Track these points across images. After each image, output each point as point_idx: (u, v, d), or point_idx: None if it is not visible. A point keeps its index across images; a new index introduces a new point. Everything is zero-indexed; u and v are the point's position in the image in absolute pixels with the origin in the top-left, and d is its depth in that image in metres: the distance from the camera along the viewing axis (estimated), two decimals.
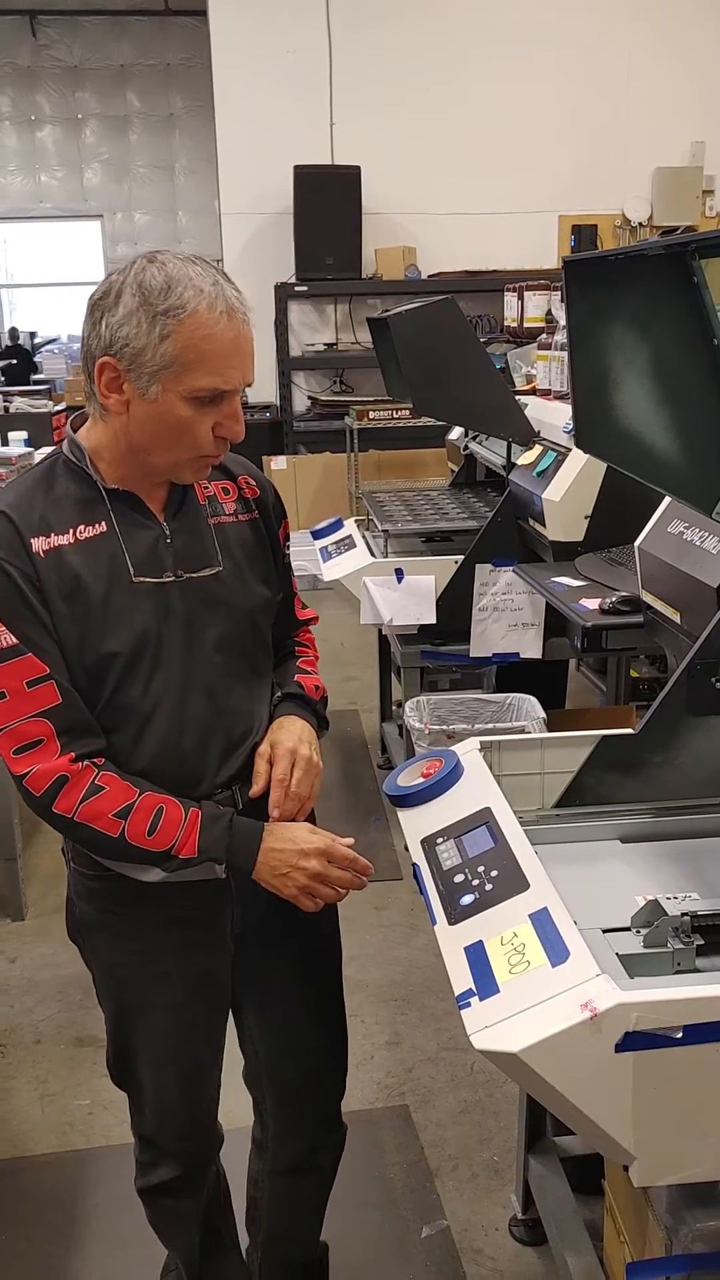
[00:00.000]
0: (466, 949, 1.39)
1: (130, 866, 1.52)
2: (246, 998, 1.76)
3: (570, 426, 2.17)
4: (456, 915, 1.46)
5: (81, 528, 1.48)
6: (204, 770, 1.57)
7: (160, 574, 1.52)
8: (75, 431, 1.53)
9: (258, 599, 1.62)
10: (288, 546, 1.72)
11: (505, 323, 4.57)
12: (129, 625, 1.49)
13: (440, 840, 1.63)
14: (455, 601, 3.59)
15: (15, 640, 1.44)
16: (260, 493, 1.67)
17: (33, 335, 12.03)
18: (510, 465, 3.60)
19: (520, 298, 4.27)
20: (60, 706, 1.46)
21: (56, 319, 12.93)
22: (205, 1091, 1.76)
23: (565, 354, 1.94)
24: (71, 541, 1.47)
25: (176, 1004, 1.66)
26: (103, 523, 1.49)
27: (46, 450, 4.99)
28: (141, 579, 1.50)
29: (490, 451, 4.02)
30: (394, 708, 4.45)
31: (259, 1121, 1.90)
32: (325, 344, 8.10)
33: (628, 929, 1.53)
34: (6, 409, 5.59)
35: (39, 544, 1.45)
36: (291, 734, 1.64)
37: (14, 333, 11.47)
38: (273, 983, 1.75)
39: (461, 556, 3.61)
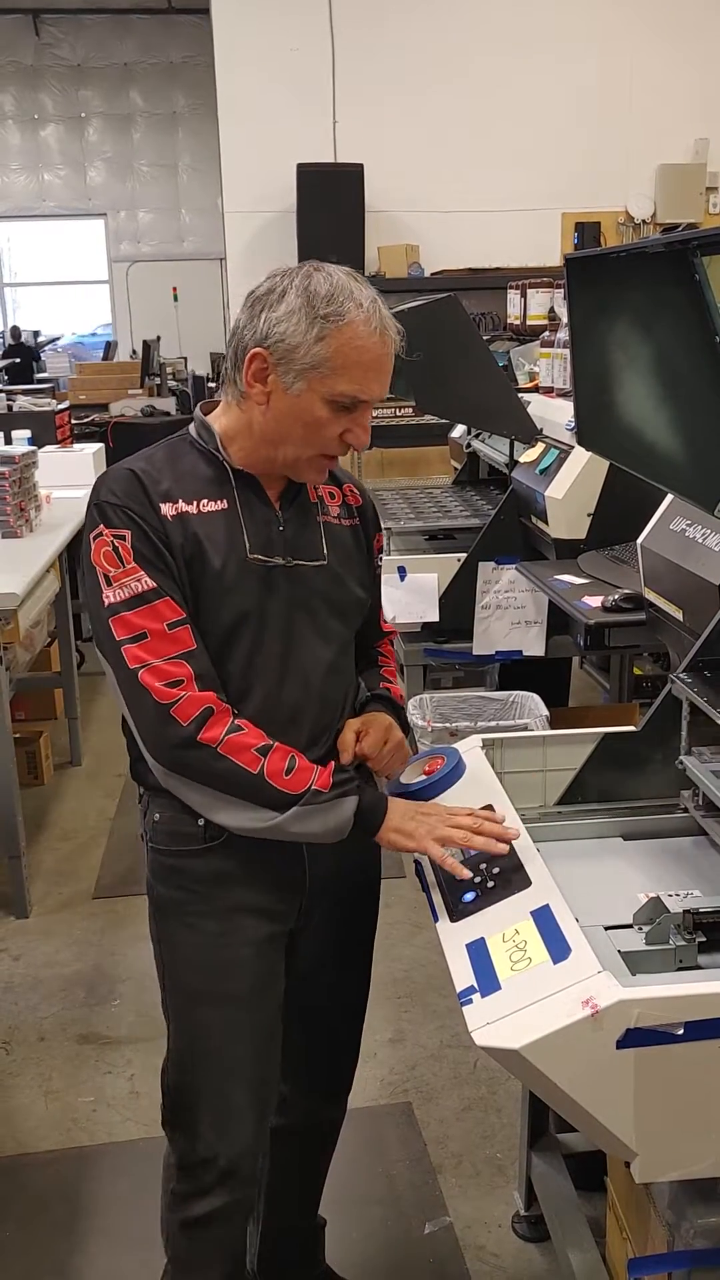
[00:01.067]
0: (468, 946, 1.40)
1: (240, 810, 1.51)
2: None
3: (573, 424, 2.18)
4: (458, 912, 1.47)
5: (205, 501, 1.55)
6: (294, 740, 1.58)
7: (271, 556, 1.58)
8: (205, 416, 1.61)
9: (353, 599, 1.69)
10: (381, 558, 1.81)
11: (508, 320, 4.56)
12: (238, 599, 1.55)
13: None
14: (458, 599, 3.59)
15: (154, 584, 1.49)
16: (362, 502, 1.75)
17: (36, 334, 12.03)
18: (513, 463, 3.60)
19: (523, 295, 4.27)
20: (196, 652, 1.51)
21: (60, 318, 12.93)
22: (270, 1101, 1.73)
23: (568, 351, 1.94)
24: (196, 512, 1.54)
25: (247, 996, 1.65)
26: (225, 500, 1.56)
27: (50, 448, 5.01)
28: (255, 557, 1.56)
29: (493, 449, 4.01)
30: None
31: None
32: None
33: (629, 926, 1.53)
34: (10, 407, 5.59)
35: (166, 509, 1.52)
36: (385, 719, 1.72)
37: (17, 331, 11.48)
38: (310, 952, 1.74)
39: (464, 554, 3.61)
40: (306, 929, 1.70)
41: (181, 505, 1.53)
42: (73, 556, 4.34)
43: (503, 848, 1.53)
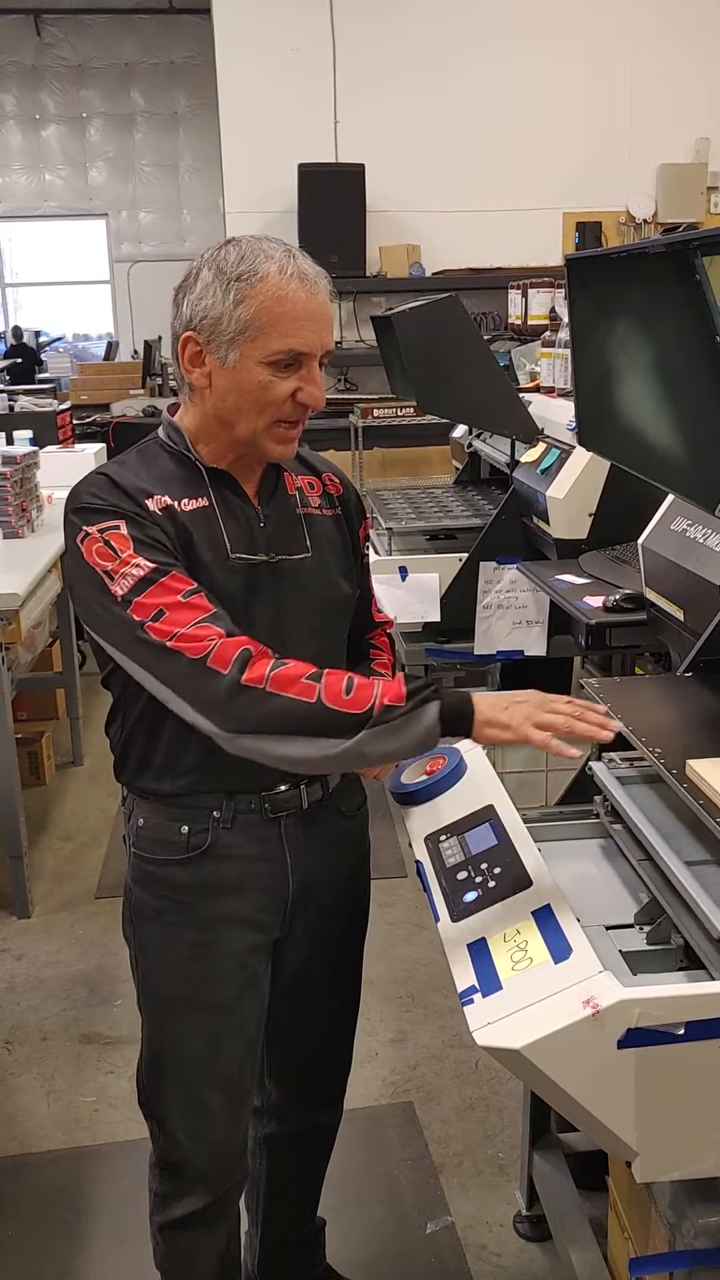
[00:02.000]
0: (469, 946, 1.39)
1: (308, 744, 1.40)
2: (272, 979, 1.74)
3: (573, 424, 2.18)
4: (459, 912, 1.47)
5: (186, 500, 1.52)
6: None
7: (254, 553, 1.55)
8: (172, 417, 1.58)
9: (340, 592, 1.66)
10: (368, 547, 1.76)
11: (509, 320, 4.56)
12: (224, 597, 1.50)
13: (444, 837, 1.64)
14: (459, 599, 3.59)
15: (154, 565, 1.44)
16: (343, 491, 1.71)
17: (37, 334, 12.04)
18: (514, 463, 3.60)
19: (524, 295, 4.26)
20: (218, 613, 1.45)
21: (61, 318, 12.93)
22: (244, 1108, 1.72)
23: (569, 351, 1.94)
24: (180, 508, 1.51)
25: (226, 1005, 1.63)
26: (203, 498, 1.53)
27: (52, 449, 5.01)
28: (238, 555, 1.53)
29: (494, 449, 4.01)
30: None
31: (259, 1089, 1.87)
32: None
33: (630, 926, 1.53)
34: (11, 408, 5.59)
35: (151, 503, 1.49)
36: None
37: (18, 331, 11.48)
38: (295, 961, 1.73)
39: (466, 554, 3.61)
40: (291, 937, 1.68)
41: (165, 499, 1.50)
42: None
43: (607, 735, 1.42)
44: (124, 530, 1.45)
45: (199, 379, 1.49)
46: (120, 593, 1.43)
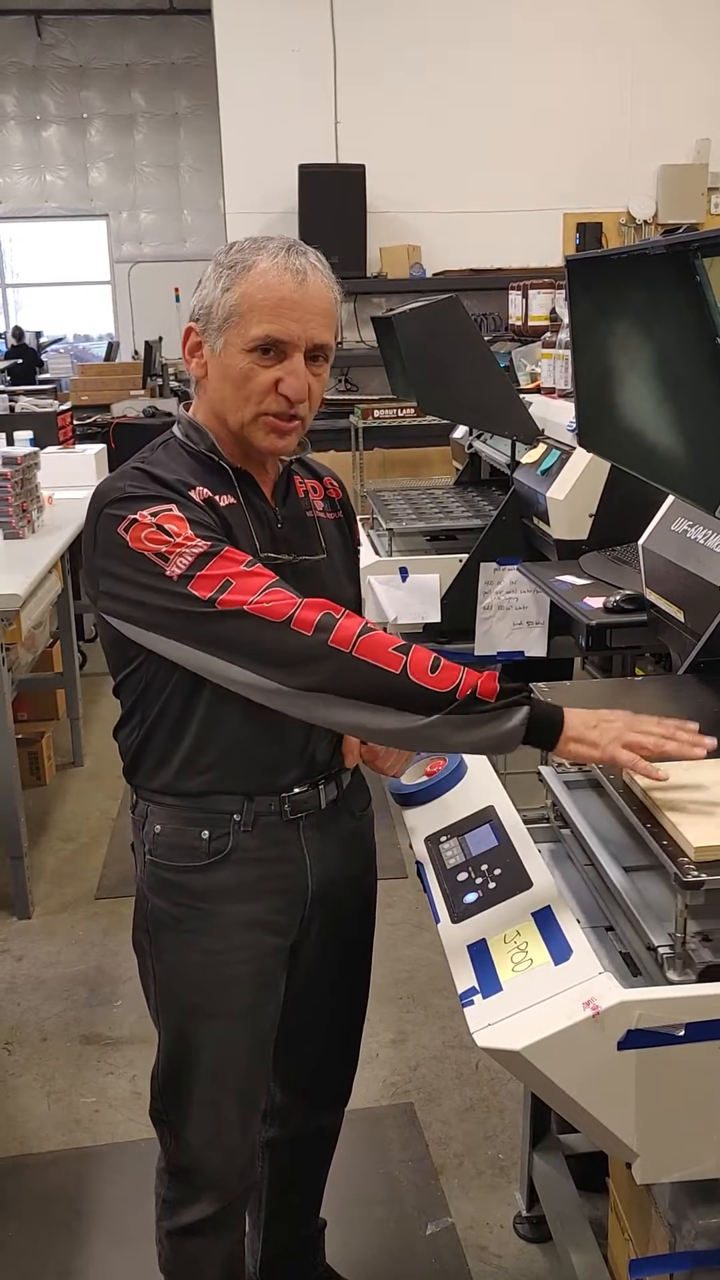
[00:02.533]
0: (470, 947, 1.39)
1: (388, 716, 1.36)
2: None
3: (574, 425, 2.18)
4: (460, 913, 1.47)
5: (218, 496, 1.50)
6: (302, 748, 1.57)
7: (278, 553, 1.54)
8: (189, 413, 1.57)
9: (348, 593, 1.66)
10: (359, 549, 1.78)
11: (510, 321, 4.56)
12: None
13: (444, 839, 1.64)
14: (460, 600, 3.59)
15: (210, 542, 1.40)
16: (342, 494, 1.72)
17: (38, 335, 12.05)
18: (515, 464, 3.60)
19: (525, 296, 4.27)
20: (283, 580, 1.41)
21: (62, 318, 12.95)
22: (257, 1113, 1.71)
23: (569, 352, 1.94)
24: (219, 502, 1.49)
25: (245, 1012, 1.61)
26: (231, 496, 1.52)
27: (52, 449, 5.02)
28: (266, 555, 1.52)
29: (495, 450, 4.02)
30: None
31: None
32: None
33: None
34: (12, 408, 5.60)
35: (194, 493, 1.47)
36: None
37: (19, 331, 11.49)
38: (308, 963, 1.72)
39: (466, 555, 3.62)
40: (306, 940, 1.68)
41: (205, 491, 1.48)
42: (75, 558, 4.34)
43: (700, 753, 1.38)
44: (177, 511, 1.42)
45: (197, 368, 1.51)
46: (178, 572, 1.38)
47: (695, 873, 1.26)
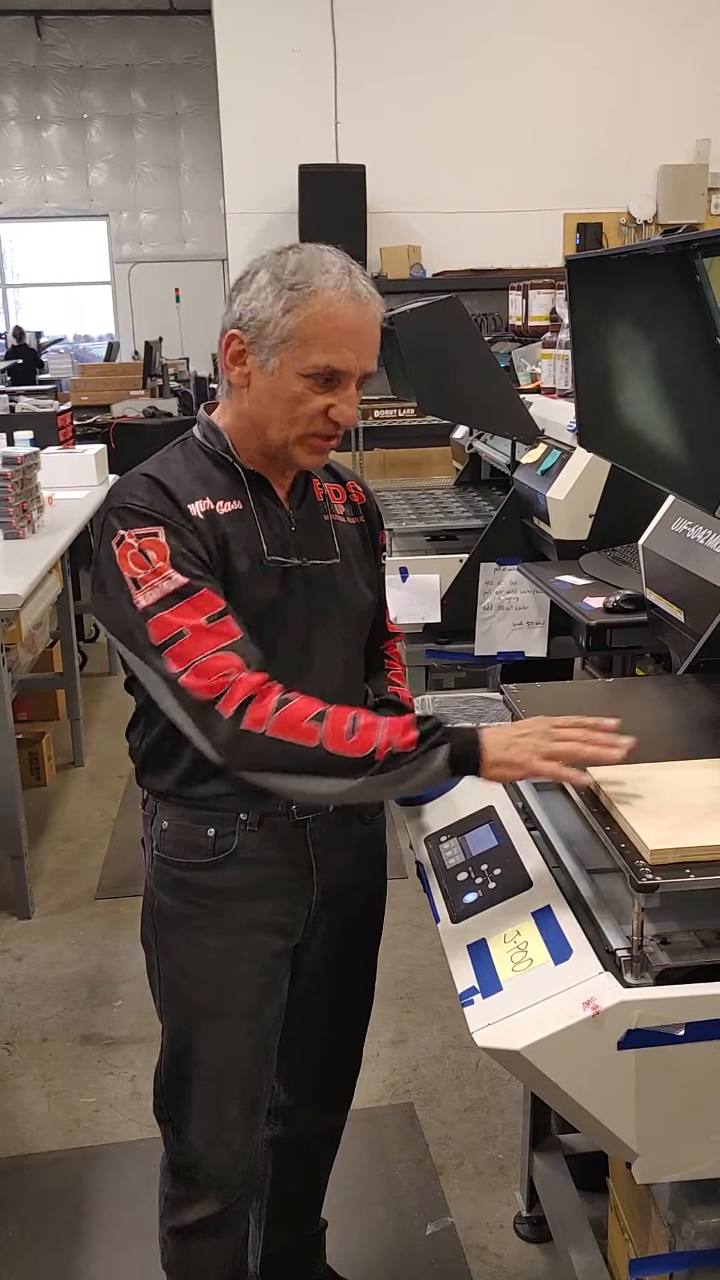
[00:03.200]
0: (469, 947, 1.39)
1: (319, 782, 1.41)
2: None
3: (574, 425, 2.18)
4: (460, 913, 1.47)
5: (223, 502, 1.51)
6: None
7: (288, 557, 1.54)
8: (209, 415, 1.57)
9: (364, 599, 1.66)
10: (385, 557, 1.76)
11: (510, 321, 4.56)
12: (255, 603, 1.50)
13: (444, 838, 1.64)
14: (460, 600, 3.59)
15: (186, 580, 1.42)
16: (366, 499, 1.71)
17: (38, 335, 12.06)
18: (515, 464, 3.60)
19: (525, 296, 4.27)
20: (240, 641, 1.43)
21: (62, 319, 12.95)
22: (261, 1113, 1.71)
23: (569, 352, 1.94)
24: (220, 510, 1.50)
25: (249, 1012, 1.61)
26: (239, 501, 1.52)
27: (52, 450, 5.02)
28: (274, 559, 1.52)
29: (495, 450, 4.02)
30: None
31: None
32: None
33: None
34: (12, 408, 5.60)
35: (194, 507, 1.47)
36: None
37: (20, 332, 11.50)
38: (313, 965, 1.72)
39: (466, 555, 3.62)
40: (312, 941, 1.67)
41: (208, 502, 1.49)
42: (75, 558, 4.34)
43: (617, 754, 1.41)
44: (162, 538, 1.43)
45: (238, 377, 1.49)
46: (144, 604, 1.42)
47: (650, 875, 1.25)
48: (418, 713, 1.57)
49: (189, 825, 1.56)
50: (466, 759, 1.42)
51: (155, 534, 1.44)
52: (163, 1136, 1.71)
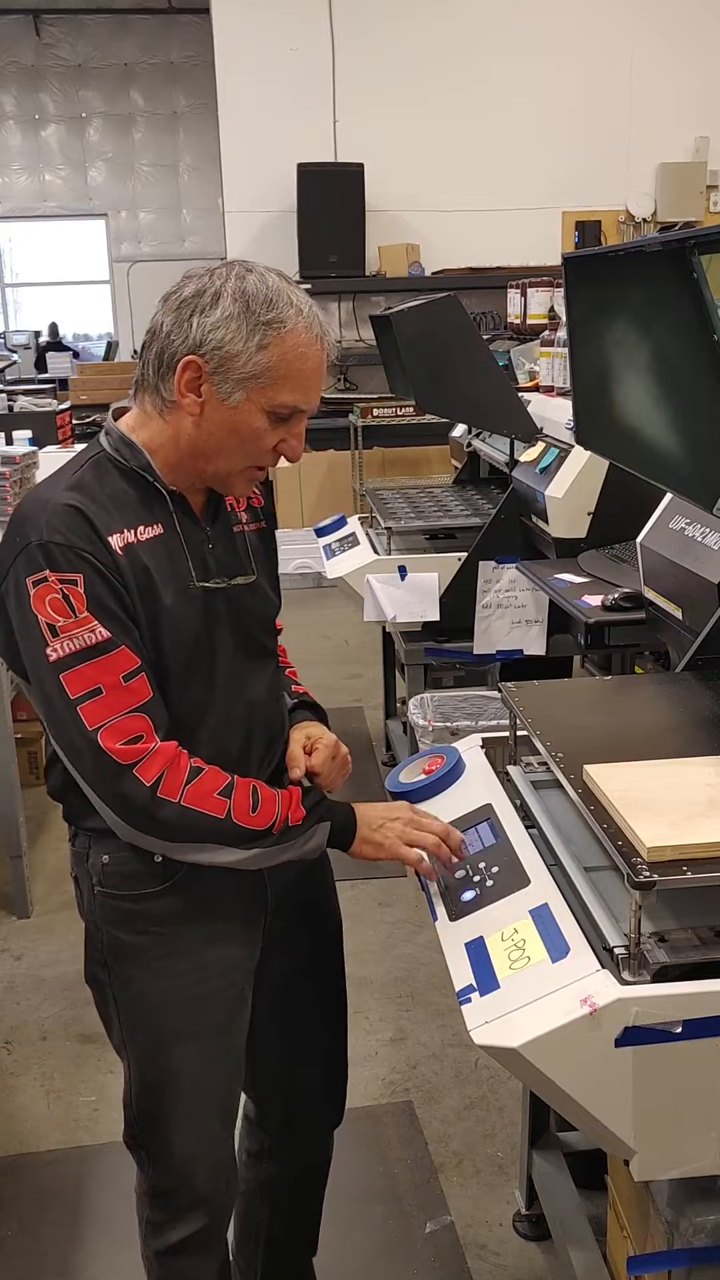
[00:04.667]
0: (467, 945, 1.40)
1: (213, 852, 1.46)
2: (257, 1004, 1.70)
3: (572, 423, 2.18)
4: (458, 911, 1.47)
5: (142, 528, 1.45)
6: (246, 771, 1.54)
7: (209, 579, 1.51)
8: (117, 423, 1.50)
9: (273, 607, 1.65)
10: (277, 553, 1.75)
11: (509, 319, 4.56)
12: (187, 630, 1.48)
13: None
14: (459, 598, 3.59)
15: (108, 634, 1.39)
16: (264, 502, 1.68)
17: (37, 335, 12.06)
18: (513, 462, 3.60)
19: (523, 294, 4.27)
20: (153, 701, 1.42)
21: (61, 318, 12.93)
22: (234, 1126, 1.70)
23: (567, 350, 1.94)
24: (139, 539, 1.44)
25: (219, 1028, 1.60)
26: (159, 524, 1.47)
27: (51, 449, 5.01)
28: (201, 583, 1.50)
29: (493, 448, 4.02)
30: (398, 705, 4.46)
31: (257, 1127, 1.87)
32: None
33: None
34: (11, 408, 5.60)
35: (114, 540, 1.41)
36: (330, 735, 1.68)
37: (54, 329, 11.57)
38: (283, 987, 1.72)
39: (465, 553, 3.62)
40: (274, 946, 1.66)
41: (127, 534, 1.42)
42: None
43: (453, 861, 1.56)
44: (81, 586, 1.38)
45: (190, 405, 1.42)
46: (58, 655, 1.38)
47: (647, 873, 1.25)
48: (304, 784, 1.60)
49: (132, 855, 1.51)
50: (342, 834, 1.56)
51: (76, 581, 1.38)
52: (137, 1163, 1.68)
